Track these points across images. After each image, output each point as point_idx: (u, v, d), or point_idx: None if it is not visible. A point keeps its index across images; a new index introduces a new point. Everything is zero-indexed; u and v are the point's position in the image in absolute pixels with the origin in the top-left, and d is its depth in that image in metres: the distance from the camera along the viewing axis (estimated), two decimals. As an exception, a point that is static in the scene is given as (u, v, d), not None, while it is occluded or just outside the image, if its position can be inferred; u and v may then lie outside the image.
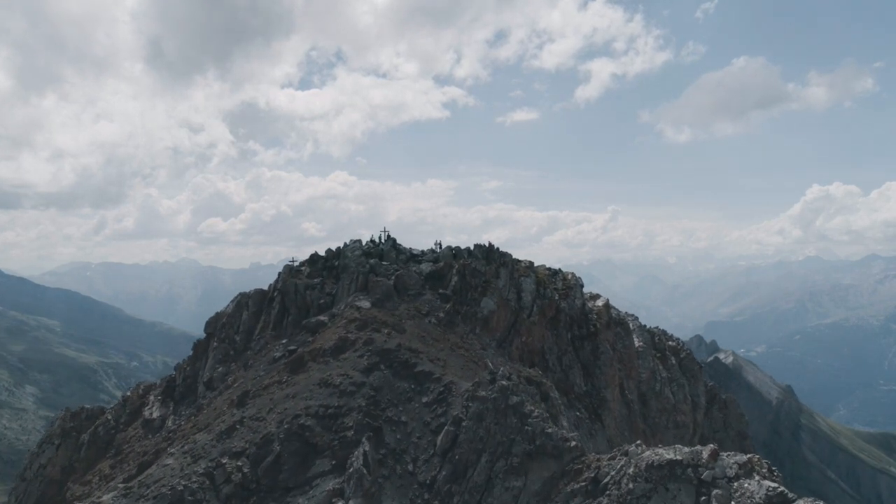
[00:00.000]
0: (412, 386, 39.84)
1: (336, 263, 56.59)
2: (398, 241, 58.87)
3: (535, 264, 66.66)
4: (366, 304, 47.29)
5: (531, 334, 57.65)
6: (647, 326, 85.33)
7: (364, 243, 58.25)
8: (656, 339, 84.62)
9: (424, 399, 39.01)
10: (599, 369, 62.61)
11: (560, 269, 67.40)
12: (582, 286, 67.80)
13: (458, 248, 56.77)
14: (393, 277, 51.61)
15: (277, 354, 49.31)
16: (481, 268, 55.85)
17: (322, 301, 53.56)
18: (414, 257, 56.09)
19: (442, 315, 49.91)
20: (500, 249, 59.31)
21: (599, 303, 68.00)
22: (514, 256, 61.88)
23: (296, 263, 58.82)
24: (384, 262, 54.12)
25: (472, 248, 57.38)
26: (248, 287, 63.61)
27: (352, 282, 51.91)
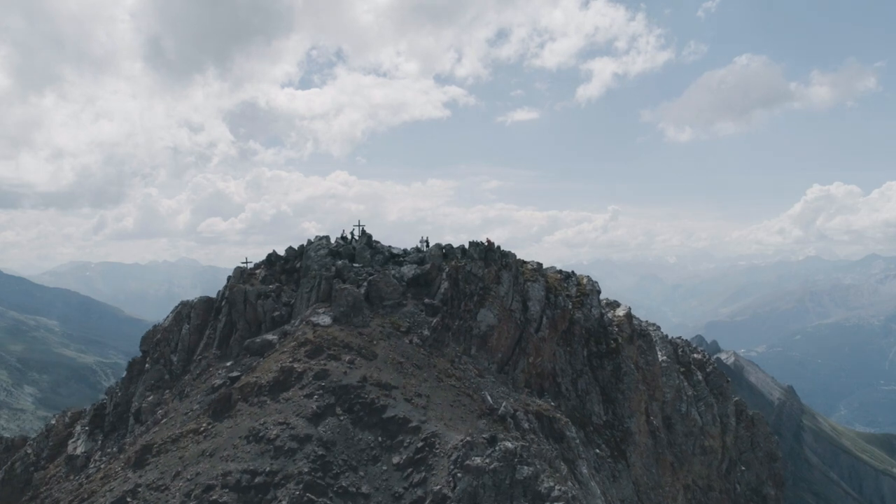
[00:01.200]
0: (379, 439, 27.80)
1: (298, 265, 44.42)
2: (376, 239, 46.62)
3: (544, 265, 54.48)
4: (325, 319, 35.16)
5: (540, 353, 45.49)
6: (669, 337, 73.26)
7: (335, 240, 46.04)
8: (679, 351, 72.35)
9: (396, 459, 26.96)
10: (622, 394, 50.39)
11: (573, 272, 55.18)
12: (599, 292, 55.61)
13: (449, 246, 44.57)
14: (365, 284, 39.41)
15: (217, 382, 37.22)
16: (478, 271, 43.69)
17: (277, 313, 41.43)
18: (394, 258, 43.94)
19: (427, 333, 37.78)
20: (502, 248, 47.20)
21: (620, 312, 55.75)
22: (517, 256, 49.76)
23: (249, 265, 46.65)
24: (355, 265, 41.93)
25: (466, 246, 45.20)
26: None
27: (312, 289, 39.75)
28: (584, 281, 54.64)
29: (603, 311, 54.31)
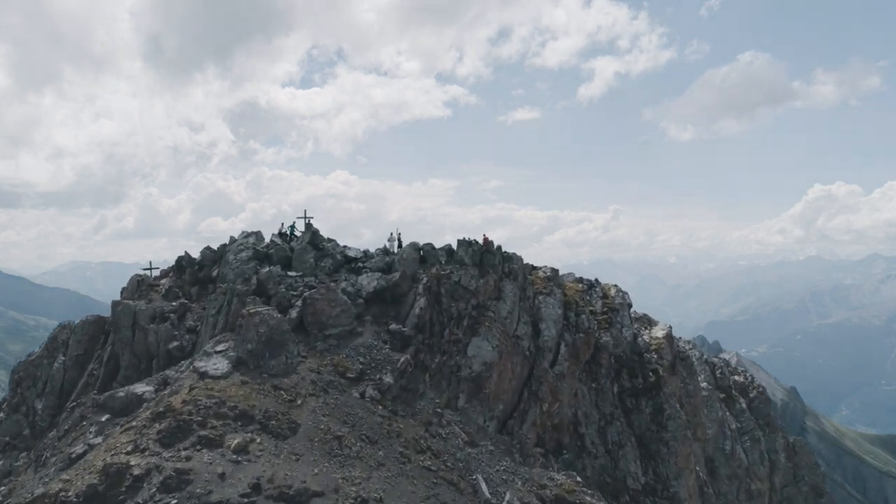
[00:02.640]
0: None
1: (215, 273, 30.46)
2: (329, 237, 32.63)
3: (545, 266, 40.21)
4: (219, 365, 21.26)
5: (558, 397, 31.53)
6: (706, 357, 59.34)
7: (271, 237, 32.14)
8: (718, 373, 58.29)
9: None
10: (666, 446, 36.44)
11: (597, 280, 41.11)
12: (630, 305, 41.65)
13: (428, 246, 30.62)
14: (298, 303, 25.49)
15: (78, 450, 23.23)
16: (471, 282, 29.79)
17: (175, 344, 27.56)
18: (349, 262, 29.92)
19: (389, 379, 23.89)
20: (504, 250, 33.27)
21: (659, 332, 41.74)
22: (524, 259, 35.71)
23: (153, 273, 32.76)
24: (290, 273, 27.93)
25: (453, 245, 31.29)
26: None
27: (220, 311, 25.82)
28: (612, 292, 40.55)
29: (636, 331, 40.28)
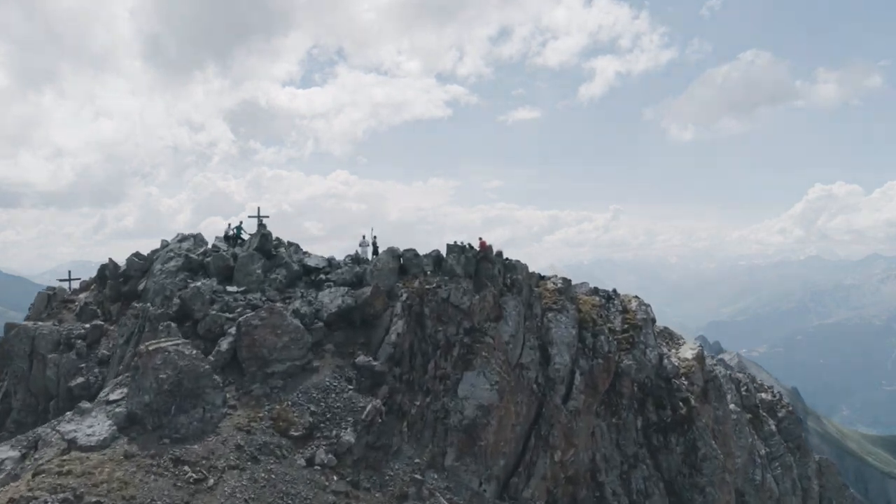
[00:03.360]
0: None
1: (141, 287, 23.78)
2: (289, 240, 25.95)
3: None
4: (97, 429, 14.53)
5: (573, 441, 24.90)
6: (729, 373, 52.72)
7: (215, 240, 25.47)
8: (743, 390, 51.51)
9: None
10: (702, 493, 29.80)
11: (615, 292, 34.40)
12: (654, 321, 34.97)
13: (410, 252, 23.93)
14: (231, 330, 18.85)
15: None
16: (463, 298, 23.11)
17: (80, 380, 20.96)
18: (309, 273, 23.23)
19: (349, 438, 17.27)
20: (506, 257, 26.61)
21: (687, 352, 35.07)
22: (528, 267, 28.99)
23: (70, 286, 26.13)
24: (230, 289, 21.25)
25: (443, 252, 24.61)
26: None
27: (127, 341, 19.18)
28: (633, 305, 33.83)
29: (662, 352, 33.57)
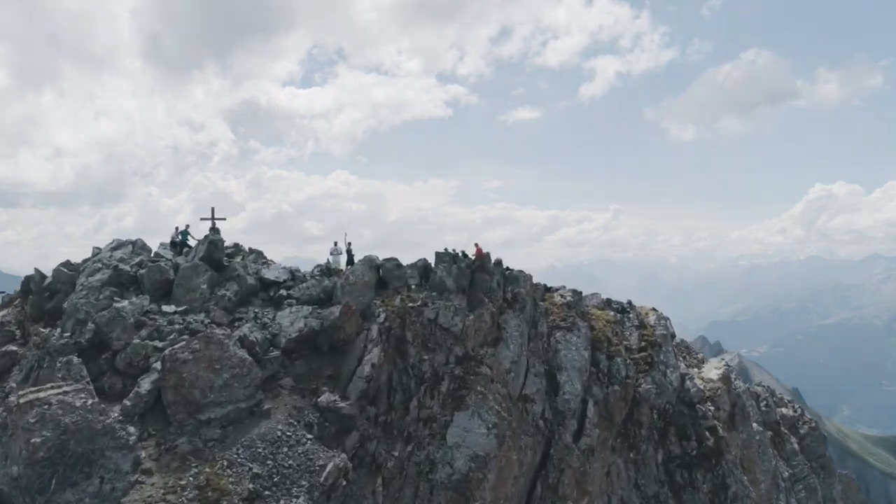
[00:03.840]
0: None
1: (66, 305, 19.40)
2: (253, 247, 21.63)
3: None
4: None
5: (585, 488, 20.66)
6: (749, 386, 48.49)
7: (159, 246, 21.15)
8: (762, 405, 47.23)
9: None
10: None
11: (631, 304, 30.04)
12: (673, 336, 30.74)
13: (392, 262, 19.60)
14: (156, 366, 14.50)
15: None
16: (454, 319, 18.83)
17: None
18: (267, 287, 18.91)
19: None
20: (506, 266, 22.31)
21: (712, 372, 30.82)
22: (532, 277, 24.69)
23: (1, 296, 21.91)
24: (166, 309, 16.94)
25: (430, 260, 20.31)
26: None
27: (26, 379, 14.86)
28: (651, 318, 29.52)
29: (684, 371, 29.27)
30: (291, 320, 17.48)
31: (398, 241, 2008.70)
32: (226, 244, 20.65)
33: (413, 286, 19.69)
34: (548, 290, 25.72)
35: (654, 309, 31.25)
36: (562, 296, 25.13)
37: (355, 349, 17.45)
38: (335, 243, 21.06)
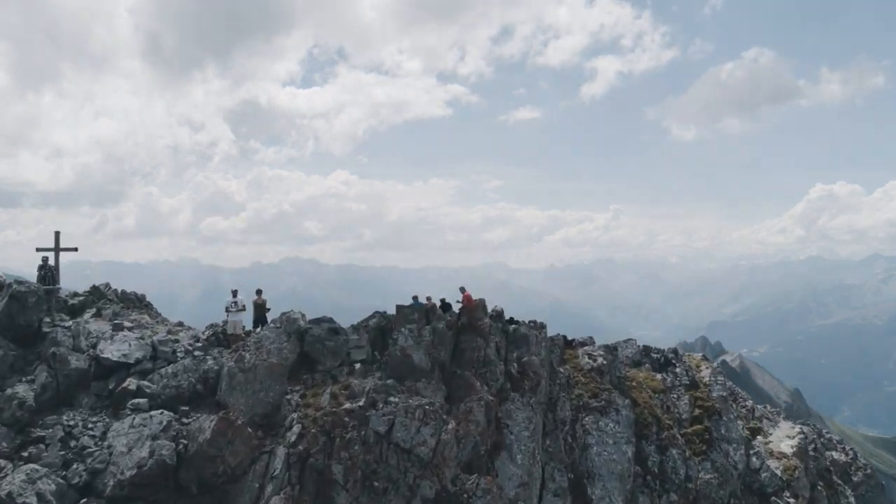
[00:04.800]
0: None
1: None
2: (129, 289, 13.54)
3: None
4: None
5: None
6: (800, 428, 40.49)
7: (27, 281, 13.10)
8: (810, 446, 39.09)
9: None
10: None
11: (675, 352, 22.04)
12: (734, 396, 22.78)
13: (325, 324, 11.48)
14: None
15: None
16: (421, 434, 10.79)
17: None
18: (106, 375, 10.78)
19: None
20: (510, 318, 14.25)
21: (784, 445, 22.81)
22: (548, 327, 16.83)
23: None
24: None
25: (409, 307, 12.17)
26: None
27: None
28: (705, 374, 21.50)
29: (744, 449, 21.30)
30: (130, 443, 9.52)
31: (398, 241, 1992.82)
32: (69, 292, 12.74)
33: (359, 365, 11.74)
34: (568, 344, 17.75)
35: (705, 358, 23.35)
36: (590, 356, 17.11)
37: (243, 493, 9.50)
38: (233, 293, 13.08)
